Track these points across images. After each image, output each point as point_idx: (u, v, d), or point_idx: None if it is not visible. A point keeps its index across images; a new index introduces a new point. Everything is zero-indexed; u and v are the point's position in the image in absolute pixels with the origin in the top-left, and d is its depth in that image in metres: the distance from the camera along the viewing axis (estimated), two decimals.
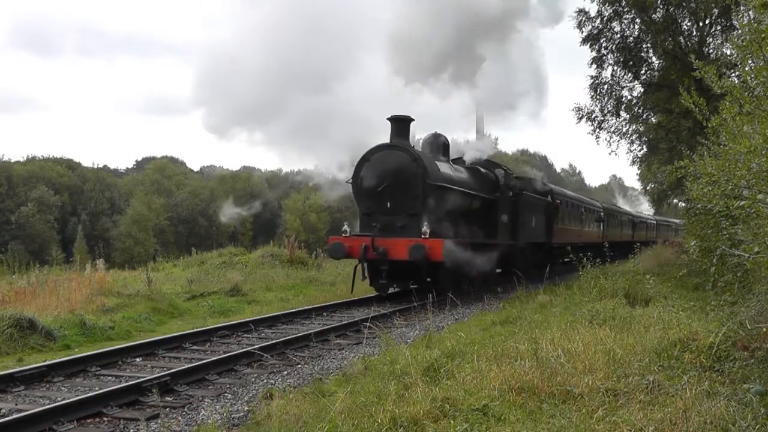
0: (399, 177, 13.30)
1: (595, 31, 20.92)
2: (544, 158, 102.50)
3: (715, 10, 18.93)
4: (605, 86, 21.92)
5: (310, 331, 9.39)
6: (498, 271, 17.19)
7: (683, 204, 26.20)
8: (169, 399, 6.24)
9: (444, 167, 14.35)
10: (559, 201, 21.25)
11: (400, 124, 13.80)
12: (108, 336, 10.14)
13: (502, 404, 4.68)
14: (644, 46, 21.18)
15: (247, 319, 10.80)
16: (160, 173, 68.50)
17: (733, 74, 14.94)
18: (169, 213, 63.62)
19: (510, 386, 5.00)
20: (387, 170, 13.37)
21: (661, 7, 19.60)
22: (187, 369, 7.03)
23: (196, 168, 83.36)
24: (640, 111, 23.23)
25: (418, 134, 15.34)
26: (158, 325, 11.67)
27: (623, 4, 20.06)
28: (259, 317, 11.03)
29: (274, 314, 11.31)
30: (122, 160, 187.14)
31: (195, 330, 9.80)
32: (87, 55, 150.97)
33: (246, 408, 5.94)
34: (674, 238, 37.10)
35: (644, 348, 5.91)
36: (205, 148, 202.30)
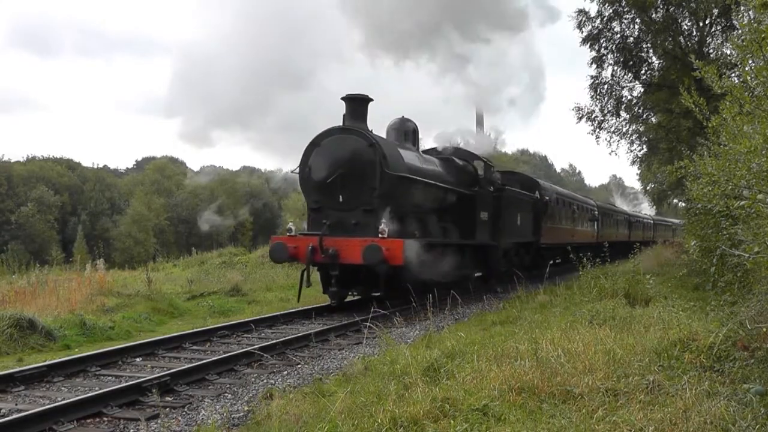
0: (353, 166, 11.38)
1: (595, 31, 20.94)
2: (544, 158, 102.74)
3: (715, 10, 18.94)
4: (605, 86, 21.96)
5: (310, 331, 9.38)
6: (477, 275, 16.00)
7: (683, 204, 26.18)
8: (169, 399, 6.24)
9: (409, 156, 12.45)
10: (548, 197, 20.10)
11: (355, 104, 11.80)
12: (108, 336, 10.15)
13: (502, 404, 4.68)
14: (644, 46, 21.21)
15: (247, 319, 10.80)
16: (160, 173, 68.45)
17: (733, 74, 14.93)
18: (169, 213, 63.57)
19: (510, 386, 4.99)
20: (339, 158, 11.43)
21: (661, 7, 19.62)
22: (187, 369, 7.02)
23: (196, 168, 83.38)
24: (640, 111, 23.25)
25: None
26: (158, 325, 11.69)
27: (623, 4, 20.07)
28: (259, 317, 11.03)
29: (274, 314, 11.30)
30: (122, 160, 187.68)
31: (195, 330, 9.79)
32: (86, 55, 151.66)
33: (246, 408, 5.94)
34: (673, 238, 37.01)
35: (644, 348, 5.90)
36: (205, 149, 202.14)
